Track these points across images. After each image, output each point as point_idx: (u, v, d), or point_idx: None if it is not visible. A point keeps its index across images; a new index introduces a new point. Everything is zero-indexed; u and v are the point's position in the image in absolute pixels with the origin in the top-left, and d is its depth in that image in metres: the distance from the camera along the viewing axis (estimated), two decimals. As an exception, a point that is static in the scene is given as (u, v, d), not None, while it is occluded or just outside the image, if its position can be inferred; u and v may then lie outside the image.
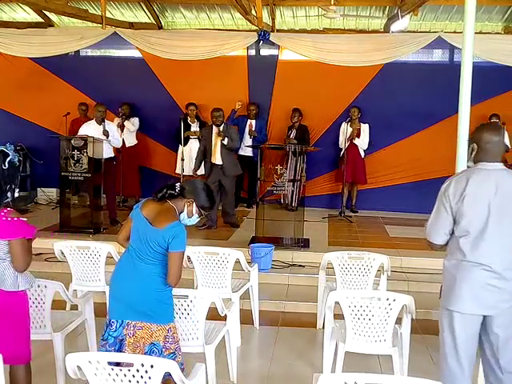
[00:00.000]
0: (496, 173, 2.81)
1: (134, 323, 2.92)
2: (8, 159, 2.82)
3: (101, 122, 7.08)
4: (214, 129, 7.17)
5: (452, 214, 2.84)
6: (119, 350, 2.93)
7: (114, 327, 2.95)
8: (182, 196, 3.00)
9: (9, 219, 2.81)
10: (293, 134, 8.44)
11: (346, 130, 8.16)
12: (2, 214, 2.82)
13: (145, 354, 2.88)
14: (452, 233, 2.88)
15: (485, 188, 2.78)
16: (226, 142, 7.11)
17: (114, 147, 7.35)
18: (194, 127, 8.49)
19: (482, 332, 2.86)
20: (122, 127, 8.48)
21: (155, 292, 2.95)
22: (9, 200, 2.89)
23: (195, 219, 3.07)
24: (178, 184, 2.99)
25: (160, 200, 2.96)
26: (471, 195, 2.77)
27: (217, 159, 7.17)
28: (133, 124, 8.62)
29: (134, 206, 3.07)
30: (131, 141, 8.71)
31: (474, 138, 2.92)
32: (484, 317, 2.83)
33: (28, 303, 3.03)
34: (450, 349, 2.89)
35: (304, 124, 8.59)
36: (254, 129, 8.52)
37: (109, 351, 2.89)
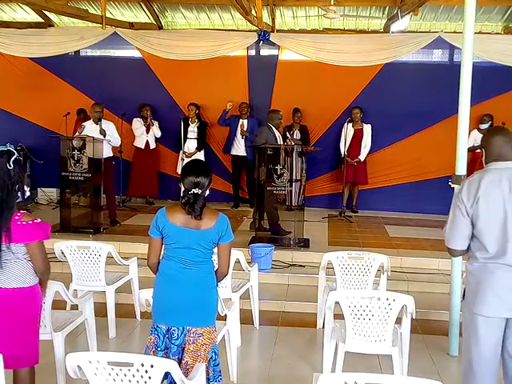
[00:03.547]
0: (508, 171, 2.75)
1: (194, 330, 2.93)
2: (13, 158, 2.76)
3: (97, 121, 7.08)
4: (276, 131, 6.82)
5: (469, 217, 2.76)
6: (181, 358, 2.93)
7: (175, 335, 2.93)
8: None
9: (23, 223, 2.79)
10: (297, 135, 8.45)
11: (348, 131, 8.17)
12: (16, 217, 2.79)
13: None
14: (472, 236, 2.81)
15: (497, 187, 2.72)
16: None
17: (113, 147, 7.36)
18: (193, 127, 8.51)
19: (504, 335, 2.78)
20: (147, 129, 8.61)
21: (212, 290, 3.02)
22: (20, 200, 2.86)
23: None
24: (196, 190, 2.86)
25: (202, 214, 2.88)
26: (485, 196, 2.71)
27: None
28: (158, 129, 8.72)
29: (157, 223, 2.95)
30: (154, 144, 8.81)
31: (481, 144, 2.97)
32: (507, 320, 2.76)
33: (41, 299, 3.04)
34: (474, 353, 2.81)
35: (304, 124, 8.61)
36: (245, 129, 8.52)
37: (172, 360, 2.84)
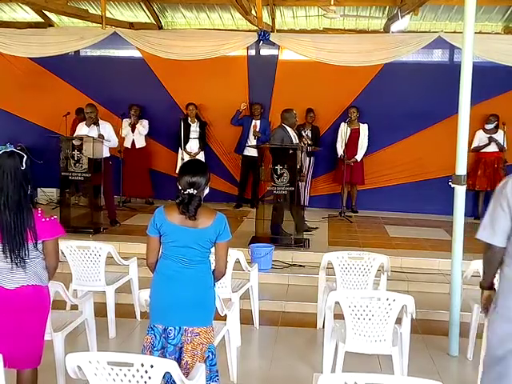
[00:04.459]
0: None
1: (191, 329, 2.93)
2: (25, 159, 2.83)
3: (91, 123, 7.06)
4: (291, 131, 6.67)
5: (510, 213, 2.68)
6: (179, 357, 2.93)
7: (172, 335, 2.93)
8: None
9: (47, 220, 2.87)
10: (308, 133, 8.43)
11: (345, 131, 8.17)
12: (39, 215, 2.86)
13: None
14: (510, 237, 2.72)
15: None
16: None
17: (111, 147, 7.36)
18: (195, 127, 8.51)
19: None
20: (133, 128, 8.62)
21: (209, 289, 3.02)
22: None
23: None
24: (191, 191, 2.86)
25: (196, 214, 2.88)
26: None
27: None
28: (143, 127, 8.73)
29: (155, 221, 2.94)
30: (141, 142, 8.81)
31: None
32: None
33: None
34: (497, 357, 2.70)
35: (316, 125, 8.61)
36: (258, 129, 8.53)
37: (169, 359, 2.80)
